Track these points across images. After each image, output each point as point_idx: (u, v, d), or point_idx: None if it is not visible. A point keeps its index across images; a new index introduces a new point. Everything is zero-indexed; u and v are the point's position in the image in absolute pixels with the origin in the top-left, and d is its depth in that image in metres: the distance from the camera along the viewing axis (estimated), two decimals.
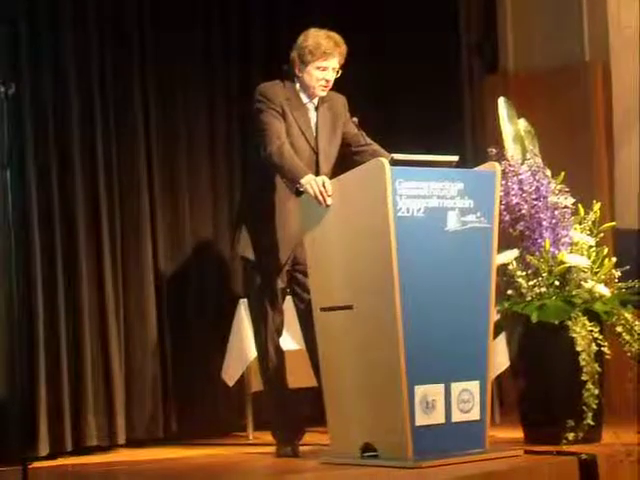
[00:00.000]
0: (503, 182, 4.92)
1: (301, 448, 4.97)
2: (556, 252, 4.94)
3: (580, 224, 5.10)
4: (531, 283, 4.92)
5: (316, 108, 4.95)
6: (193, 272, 5.95)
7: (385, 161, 4.35)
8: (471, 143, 6.66)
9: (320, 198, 4.52)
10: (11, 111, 4.47)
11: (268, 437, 5.18)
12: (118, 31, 5.71)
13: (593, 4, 6.66)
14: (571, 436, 4.75)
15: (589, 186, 6.23)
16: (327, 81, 4.87)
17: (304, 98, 4.93)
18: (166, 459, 5.23)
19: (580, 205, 5.13)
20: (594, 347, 4.80)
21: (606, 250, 5.09)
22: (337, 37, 4.87)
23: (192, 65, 6.01)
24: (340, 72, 4.88)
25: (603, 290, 4.97)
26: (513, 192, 4.99)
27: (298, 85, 4.92)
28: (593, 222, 5.10)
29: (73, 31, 5.51)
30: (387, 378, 4.35)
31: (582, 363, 4.77)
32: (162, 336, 5.77)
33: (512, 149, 5.16)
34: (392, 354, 4.30)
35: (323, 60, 4.84)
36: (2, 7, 5.27)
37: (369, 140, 4.93)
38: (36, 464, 4.95)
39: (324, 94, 4.92)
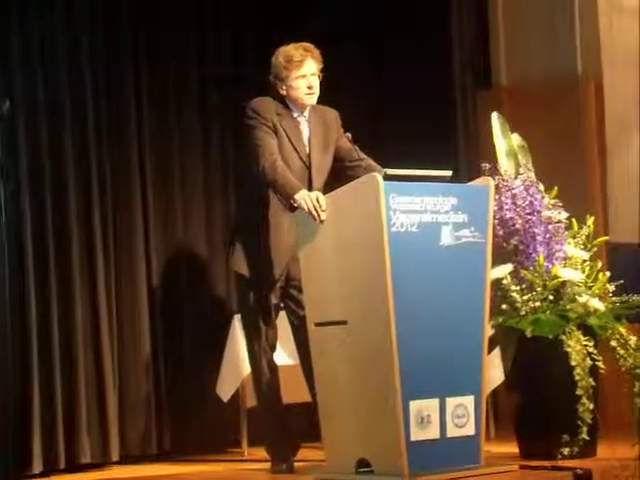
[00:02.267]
0: (497, 197, 4.92)
1: (296, 464, 4.96)
2: (550, 266, 4.94)
3: (574, 238, 5.10)
4: (525, 297, 4.92)
5: (308, 122, 4.96)
6: (187, 288, 5.94)
7: (379, 176, 4.35)
8: (464, 158, 6.67)
9: (314, 213, 4.51)
10: (5, 127, 4.48)
11: (263, 453, 5.17)
12: (112, 45, 5.72)
13: (585, 18, 6.68)
14: (566, 451, 4.74)
15: (582, 200, 6.24)
16: (311, 87, 4.87)
17: (295, 112, 4.94)
18: (160, 476, 5.21)
19: (574, 219, 5.14)
20: (588, 361, 4.80)
21: (600, 264, 5.09)
22: (305, 44, 4.89)
23: (186, 81, 6.01)
24: (320, 76, 4.88)
25: (597, 304, 4.97)
26: (507, 207, 4.99)
27: (287, 100, 4.93)
28: (587, 236, 5.11)
29: (66, 46, 5.52)
30: (382, 393, 4.34)
31: (577, 377, 4.77)
32: (155, 352, 5.76)
33: (505, 164, 5.17)
34: (387, 369, 4.30)
35: (299, 69, 4.85)
36: None
37: (362, 155, 4.93)
38: None
39: (313, 101, 4.92)
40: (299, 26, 6.02)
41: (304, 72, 4.86)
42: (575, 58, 6.68)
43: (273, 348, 5.03)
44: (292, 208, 4.66)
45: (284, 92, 4.90)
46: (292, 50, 4.87)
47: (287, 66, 4.86)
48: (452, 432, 4.43)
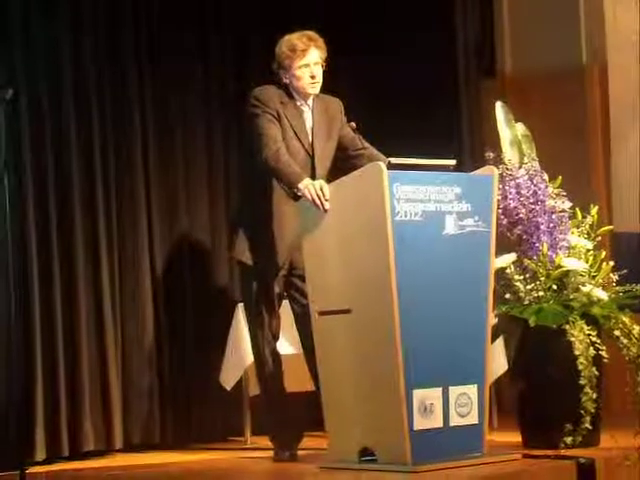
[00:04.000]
0: (500, 186, 4.91)
1: (299, 452, 4.96)
2: (554, 256, 4.94)
3: (578, 228, 5.10)
4: (529, 287, 4.92)
5: (311, 111, 4.95)
6: (190, 276, 5.94)
7: (382, 165, 4.34)
8: (468, 147, 6.66)
9: (318, 202, 4.51)
10: (8, 116, 4.47)
11: (266, 442, 5.18)
12: (114, 36, 5.71)
13: (590, 7, 6.67)
14: (569, 440, 4.74)
15: (586, 189, 6.24)
16: (314, 77, 4.86)
17: (298, 101, 4.93)
18: (163, 464, 5.22)
19: (577, 209, 5.13)
20: (592, 351, 4.80)
21: (604, 254, 5.08)
22: (310, 33, 4.88)
23: (189, 71, 6.00)
24: (324, 65, 4.87)
25: (601, 294, 4.96)
26: (511, 196, 4.98)
27: (290, 89, 4.92)
28: (590, 226, 5.10)
29: (70, 36, 5.52)
30: (385, 382, 4.34)
31: (580, 367, 4.76)
32: (159, 340, 5.77)
33: (509, 153, 5.16)
34: (390, 358, 4.29)
35: (302, 58, 4.84)
36: None
37: (366, 144, 4.93)
38: (33, 469, 4.95)
39: (316, 91, 4.91)
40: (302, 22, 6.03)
41: (307, 61, 4.85)
42: (580, 47, 6.68)
43: (276, 337, 5.03)
44: (296, 197, 4.65)
45: (287, 81, 4.90)
46: (296, 39, 4.86)
47: (290, 55, 4.84)
48: (455, 421, 4.43)
